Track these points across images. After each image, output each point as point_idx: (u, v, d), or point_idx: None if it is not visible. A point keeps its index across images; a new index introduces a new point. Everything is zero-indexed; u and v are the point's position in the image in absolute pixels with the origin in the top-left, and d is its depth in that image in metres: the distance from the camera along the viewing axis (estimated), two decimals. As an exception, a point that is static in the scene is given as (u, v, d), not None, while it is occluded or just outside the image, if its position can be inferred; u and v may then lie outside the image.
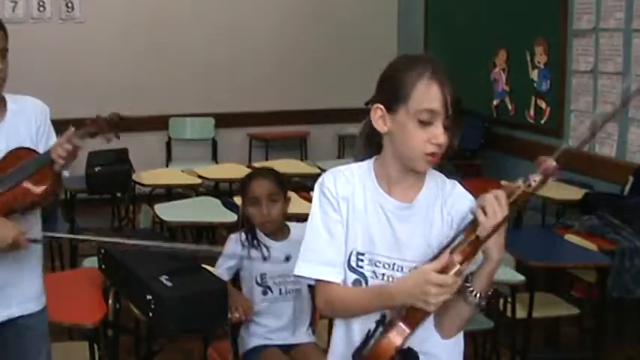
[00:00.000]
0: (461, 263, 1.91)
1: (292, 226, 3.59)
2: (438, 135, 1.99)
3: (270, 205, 3.49)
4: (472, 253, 1.93)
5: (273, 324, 3.54)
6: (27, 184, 2.81)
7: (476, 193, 6.38)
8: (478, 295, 1.98)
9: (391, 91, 2.03)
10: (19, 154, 2.85)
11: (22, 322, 2.90)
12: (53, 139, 2.99)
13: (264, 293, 3.55)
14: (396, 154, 2.06)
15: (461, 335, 2.14)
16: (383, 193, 2.10)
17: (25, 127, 2.96)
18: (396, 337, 1.95)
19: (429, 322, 2.04)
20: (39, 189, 2.83)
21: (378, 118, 2.06)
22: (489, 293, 1.99)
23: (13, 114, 2.98)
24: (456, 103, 2.03)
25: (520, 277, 4.03)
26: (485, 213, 1.90)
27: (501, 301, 4.30)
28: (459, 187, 2.16)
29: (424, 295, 1.89)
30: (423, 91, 1.99)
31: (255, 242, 3.55)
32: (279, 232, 3.56)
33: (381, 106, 2.05)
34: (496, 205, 1.90)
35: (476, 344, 4.50)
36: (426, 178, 2.12)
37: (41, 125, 3.02)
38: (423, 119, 1.99)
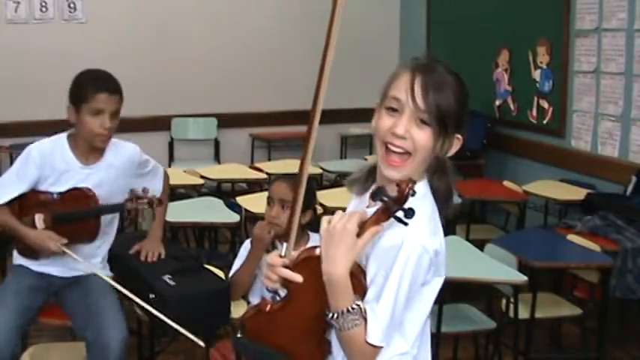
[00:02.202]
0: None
1: (314, 235, 3.49)
2: (398, 124, 1.96)
3: (279, 209, 3.47)
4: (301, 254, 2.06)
5: None
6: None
7: (478, 193, 6.37)
8: (331, 315, 1.94)
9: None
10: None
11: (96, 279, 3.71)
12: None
13: (273, 299, 3.53)
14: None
15: None
16: None
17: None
18: (250, 309, 2.19)
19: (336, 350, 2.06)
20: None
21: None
22: (347, 309, 1.93)
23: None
24: (455, 115, 1.97)
25: (522, 278, 4.03)
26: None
27: (504, 301, 4.31)
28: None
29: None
30: (395, 81, 2.00)
31: (269, 247, 3.53)
32: (296, 240, 3.51)
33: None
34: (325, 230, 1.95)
35: (478, 344, 4.51)
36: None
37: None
38: (388, 105, 1.99)
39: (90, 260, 3.79)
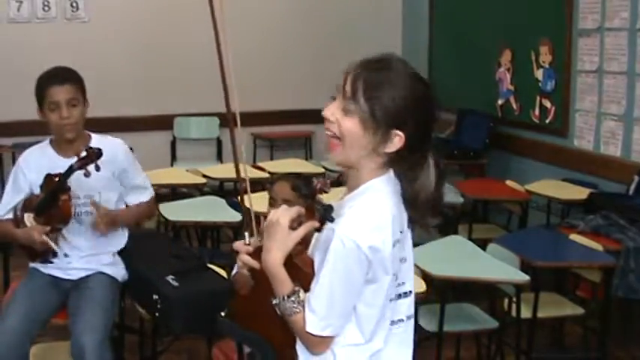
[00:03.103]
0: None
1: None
2: (327, 107, 2.09)
3: None
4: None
5: None
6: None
7: (481, 192, 6.35)
8: (273, 301, 2.08)
9: None
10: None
11: (99, 276, 3.78)
12: None
13: None
14: None
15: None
16: None
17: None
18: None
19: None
20: None
21: None
22: (284, 297, 2.06)
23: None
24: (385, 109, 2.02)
25: (525, 277, 4.03)
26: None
27: (506, 300, 4.30)
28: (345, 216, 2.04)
29: None
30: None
31: None
32: None
33: None
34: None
35: (480, 344, 4.50)
36: (360, 195, 2.09)
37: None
38: (333, 95, 2.12)
39: (97, 257, 3.82)
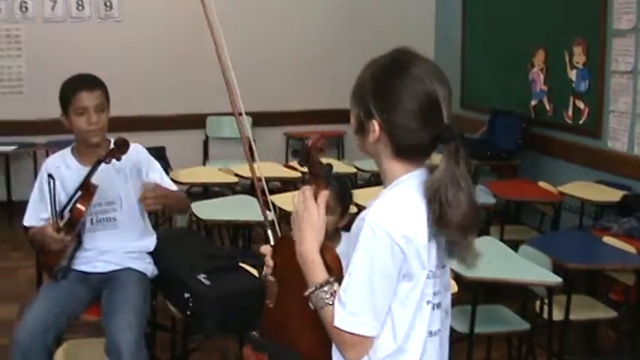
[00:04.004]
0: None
1: (344, 234, 3.50)
2: None
3: None
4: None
5: None
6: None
7: (513, 193, 6.29)
8: (306, 292, 2.00)
9: None
10: None
11: (129, 272, 3.81)
12: None
13: None
14: None
15: None
16: None
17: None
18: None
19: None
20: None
21: None
22: (317, 286, 1.97)
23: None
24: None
25: (557, 279, 4.00)
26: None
27: (538, 302, 4.28)
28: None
29: None
30: None
31: None
32: (330, 239, 3.53)
33: None
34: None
35: (512, 345, 4.48)
36: (391, 187, 2.04)
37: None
38: None
39: (124, 254, 3.87)
